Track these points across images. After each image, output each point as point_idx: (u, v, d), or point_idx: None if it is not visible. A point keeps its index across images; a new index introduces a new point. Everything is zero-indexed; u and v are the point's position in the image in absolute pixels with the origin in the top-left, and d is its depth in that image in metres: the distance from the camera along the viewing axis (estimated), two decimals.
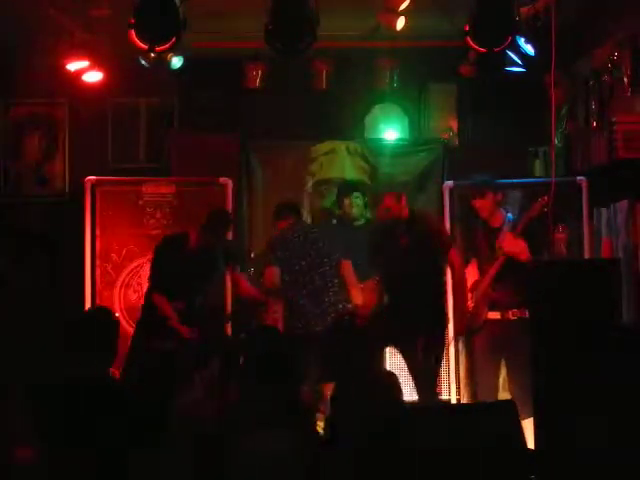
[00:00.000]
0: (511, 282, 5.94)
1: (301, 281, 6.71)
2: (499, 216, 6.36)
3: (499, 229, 6.32)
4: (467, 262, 6.51)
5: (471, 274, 6.41)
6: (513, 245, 6.13)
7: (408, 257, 6.20)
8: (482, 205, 6.34)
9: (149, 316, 6.54)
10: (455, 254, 6.39)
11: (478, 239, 6.41)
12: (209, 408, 5.00)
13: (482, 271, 6.34)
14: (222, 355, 6.33)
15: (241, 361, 6.30)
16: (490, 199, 6.32)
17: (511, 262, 6.07)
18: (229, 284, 7.23)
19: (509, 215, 6.42)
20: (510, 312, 6.16)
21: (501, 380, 6.46)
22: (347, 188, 7.42)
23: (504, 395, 6.46)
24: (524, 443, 4.85)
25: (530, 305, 5.36)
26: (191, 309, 6.45)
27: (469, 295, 6.32)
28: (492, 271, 6.23)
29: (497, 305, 6.22)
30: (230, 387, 5.96)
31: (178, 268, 6.44)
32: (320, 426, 6.57)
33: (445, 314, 6.57)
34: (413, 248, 6.21)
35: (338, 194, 7.40)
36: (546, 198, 6.09)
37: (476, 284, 6.33)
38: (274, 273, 6.83)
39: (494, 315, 6.23)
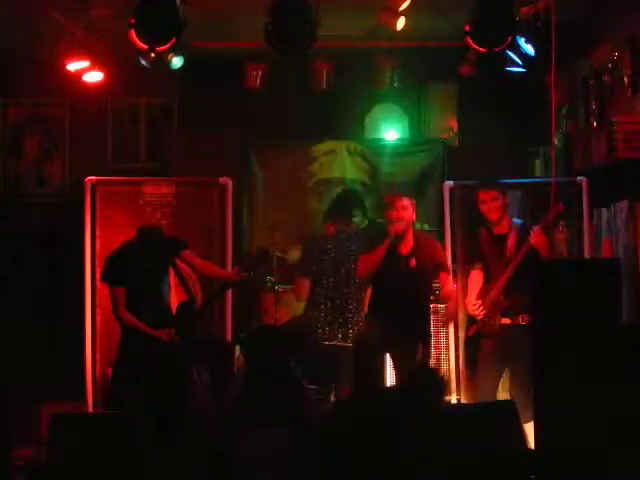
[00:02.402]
0: (527, 284, 5.82)
1: (324, 295, 6.74)
2: (506, 222, 6.33)
3: (506, 235, 6.29)
4: (471, 267, 6.50)
5: (476, 279, 6.39)
6: (540, 239, 6.12)
7: (410, 276, 6.22)
8: (491, 207, 6.30)
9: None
10: (445, 277, 6.45)
11: (484, 245, 6.38)
12: (211, 408, 5.01)
13: (489, 277, 6.31)
14: (217, 355, 6.36)
15: (242, 360, 6.32)
16: (500, 202, 6.30)
17: (528, 263, 6.01)
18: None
19: (515, 220, 6.40)
20: (520, 317, 6.15)
21: (501, 381, 6.46)
22: (346, 205, 7.31)
23: (503, 396, 6.46)
24: (525, 443, 4.86)
25: (531, 305, 5.36)
26: (159, 309, 6.40)
27: (478, 302, 6.30)
28: (504, 278, 6.20)
29: (509, 311, 6.20)
30: (229, 386, 5.98)
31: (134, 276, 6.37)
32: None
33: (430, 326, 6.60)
34: (418, 270, 6.22)
35: (336, 205, 7.29)
36: (562, 205, 6.22)
37: (485, 292, 6.29)
38: (304, 286, 6.85)
39: (504, 320, 6.22)
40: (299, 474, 4.44)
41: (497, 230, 6.33)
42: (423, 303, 6.40)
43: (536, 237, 6.10)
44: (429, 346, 6.37)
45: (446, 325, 7.24)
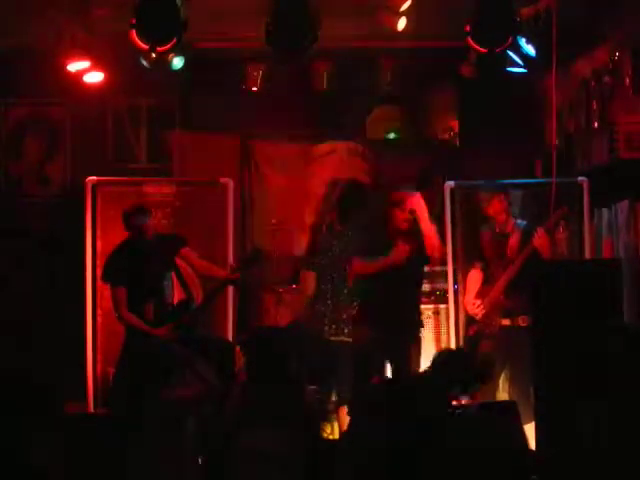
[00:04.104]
0: (529, 285, 5.79)
1: (330, 291, 6.74)
2: (510, 222, 6.35)
3: (508, 235, 6.29)
4: (470, 266, 6.50)
5: (474, 279, 6.38)
6: (543, 240, 6.11)
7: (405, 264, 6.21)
8: (497, 210, 6.31)
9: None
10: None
11: (485, 244, 6.38)
12: (200, 404, 5.01)
13: (488, 276, 6.31)
14: (218, 355, 6.36)
15: (242, 361, 6.32)
16: (505, 204, 6.31)
17: (530, 264, 6.00)
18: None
19: (519, 221, 6.40)
20: (520, 318, 6.14)
21: (500, 382, 6.47)
22: (355, 200, 7.26)
23: (503, 396, 6.47)
24: (525, 443, 4.86)
25: (531, 305, 5.37)
26: (161, 308, 6.40)
27: (477, 302, 6.28)
28: (505, 278, 6.19)
29: (509, 312, 6.20)
30: (231, 386, 5.98)
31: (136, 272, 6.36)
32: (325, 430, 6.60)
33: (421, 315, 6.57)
34: (410, 256, 6.21)
35: (346, 200, 7.27)
36: (566, 208, 6.25)
37: (484, 291, 6.29)
38: (310, 280, 6.85)
39: (504, 322, 6.22)
40: (298, 475, 4.44)
41: (500, 230, 6.33)
42: (414, 290, 6.35)
43: (539, 239, 6.11)
44: (419, 338, 6.36)
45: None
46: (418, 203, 6.21)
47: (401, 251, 6.15)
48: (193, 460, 4.52)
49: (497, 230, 6.34)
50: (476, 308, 6.28)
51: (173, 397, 5.13)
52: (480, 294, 6.30)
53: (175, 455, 4.55)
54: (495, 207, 6.32)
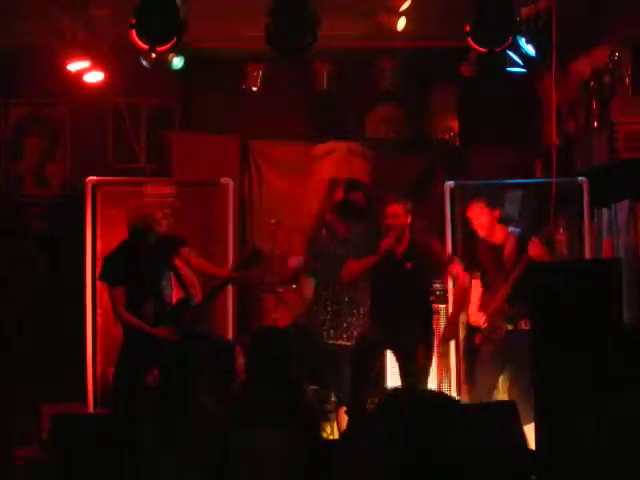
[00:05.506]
0: (528, 294, 5.79)
1: (331, 297, 6.73)
2: (500, 232, 6.32)
3: (502, 245, 6.28)
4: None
5: (474, 288, 6.38)
6: (538, 250, 6.10)
7: (409, 279, 6.21)
8: (479, 224, 6.31)
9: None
10: (456, 266, 6.40)
11: (480, 255, 6.38)
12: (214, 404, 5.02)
13: (487, 286, 6.31)
14: (219, 354, 6.36)
15: (243, 361, 6.33)
16: (487, 216, 6.29)
17: (528, 273, 5.99)
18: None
19: (511, 228, 6.39)
20: (523, 322, 6.14)
21: (500, 382, 6.46)
22: (359, 209, 7.27)
23: (503, 396, 6.47)
24: (525, 443, 4.86)
25: (531, 305, 5.37)
26: (160, 308, 6.40)
27: (482, 316, 6.28)
28: (505, 289, 6.19)
29: (512, 317, 6.20)
30: (232, 386, 5.98)
31: (134, 272, 6.36)
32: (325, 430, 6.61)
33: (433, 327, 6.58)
34: (414, 272, 6.21)
35: (350, 207, 7.25)
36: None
37: (486, 301, 6.28)
38: (308, 285, 6.83)
39: (509, 327, 6.22)
40: (298, 475, 4.44)
41: (491, 240, 6.32)
42: (422, 303, 6.38)
43: (535, 249, 6.09)
44: (431, 347, 6.35)
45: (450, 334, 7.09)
46: (396, 216, 6.20)
47: (381, 246, 6.13)
48: (193, 460, 4.52)
49: (489, 241, 6.32)
50: (480, 321, 6.28)
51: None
52: (482, 305, 6.30)
53: (176, 455, 4.54)
54: (474, 222, 6.32)
